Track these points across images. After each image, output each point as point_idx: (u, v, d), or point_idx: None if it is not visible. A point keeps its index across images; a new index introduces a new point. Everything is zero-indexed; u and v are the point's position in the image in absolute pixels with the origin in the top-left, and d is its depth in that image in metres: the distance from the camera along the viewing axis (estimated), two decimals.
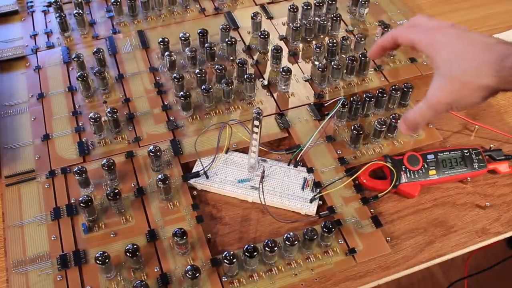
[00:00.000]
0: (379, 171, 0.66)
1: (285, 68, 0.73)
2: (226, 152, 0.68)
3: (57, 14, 0.81)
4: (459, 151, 0.67)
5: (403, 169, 0.65)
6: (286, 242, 0.56)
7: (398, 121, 0.59)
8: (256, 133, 0.60)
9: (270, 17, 0.86)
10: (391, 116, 0.68)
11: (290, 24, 0.81)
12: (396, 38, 0.55)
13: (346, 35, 0.80)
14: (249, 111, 0.73)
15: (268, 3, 0.89)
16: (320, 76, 0.75)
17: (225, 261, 0.55)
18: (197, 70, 0.74)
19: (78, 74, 0.72)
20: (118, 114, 0.68)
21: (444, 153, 0.67)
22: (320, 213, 0.63)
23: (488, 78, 0.47)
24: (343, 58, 0.79)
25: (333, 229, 0.57)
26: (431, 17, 0.54)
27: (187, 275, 0.53)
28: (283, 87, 0.75)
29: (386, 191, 0.64)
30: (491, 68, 0.47)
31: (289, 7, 0.83)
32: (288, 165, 0.67)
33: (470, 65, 0.48)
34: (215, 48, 0.78)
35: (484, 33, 0.51)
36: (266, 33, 0.79)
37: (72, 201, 0.63)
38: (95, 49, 0.76)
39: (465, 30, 0.51)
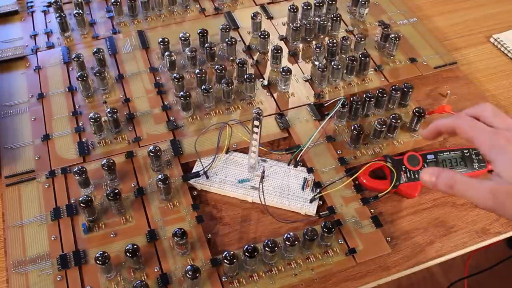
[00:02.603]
0: (379, 171, 0.66)
1: (285, 68, 0.73)
2: (226, 152, 0.68)
3: (57, 14, 0.81)
4: (459, 151, 0.67)
5: (403, 169, 0.65)
6: (286, 242, 0.56)
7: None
8: (256, 133, 0.60)
9: (270, 17, 0.87)
10: (391, 116, 0.68)
11: (290, 24, 0.81)
12: (456, 128, 0.51)
13: (346, 35, 0.80)
14: (249, 111, 0.73)
15: (268, 3, 0.89)
16: (320, 76, 0.75)
17: (225, 261, 0.55)
18: (197, 70, 0.74)
19: (78, 74, 0.72)
20: (118, 114, 0.68)
21: (444, 153, 0.67)
22: (320, 213, 0.63)
23: None
24: (343, 58, 0.79)
25: (333, 229, 0.57)
26: (500, 112, 0.50)
27: (187, 275, 0.53)
28: (283, 87, 0.75)
29: (386, 191, 0.64)
30: None
31: (289, 7, 0.83)
32: (288, 165, 0.67)
33: None
34: (215, 48, 0.78)
35: None
36: (266, 33, 0.79)
37: (72, 201, 0.63)
38: (95, 49, 0.76)
39: None
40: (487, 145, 0.48)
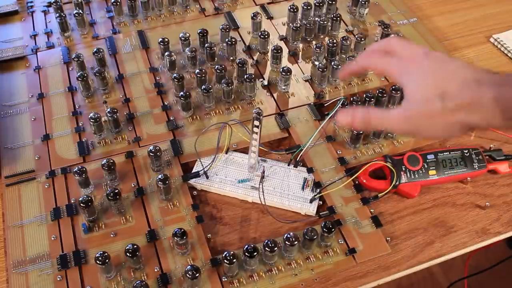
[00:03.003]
0: (379, 171, 0.66)
1: (285, 68, 0.73)
2: (226, 152, 0.68)
3: (57, 14, 0.81)
4: (459, 151, 0.67)
5: (403, 169, 0.65)
6: (286, 242, 0.56)
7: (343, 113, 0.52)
8: (256, 133, 0.60)
9: (270, 17, 0.87)
10: None
11: (290, 24, 0.81)
12: (368, 68, 0.56)
13: (346, 35, 0.80)
14: (249, 111, 0.73)
15: (268, 3, 0.89)
16: (320, 76, 0.75)
17: (225, 261, 0.55)
18: (197, 70, 0.74)
19: (78, 74, 0.72)
20: (118, 114, 0.68)
21: (444, 153, 0.67)
22: (320, 213, 0.63)
23: (465, 115, 0.46)
24: (343, 58, 0.79)
25: (333, 229, 0.57)
26: (406, 41, 0.52)
27: (187, 275, 0.53)
28: (283, 87, 0.75)
29: (386, 191, 0.64)
30: (467, 105, 0.45)
31: (289, 7, 0.83)
32: (288, 165, 0.67)
33: (447, 100, 0.46)
34: (215, 48, 0.78)
35: (458, 59, 0.49)
36: (266, 33, 0.79)
37: (72, 201, 0.63)
38: (95, 49, 0.76)
39: (440, 60, 0.49)
40: (396, 72, 0.51)
